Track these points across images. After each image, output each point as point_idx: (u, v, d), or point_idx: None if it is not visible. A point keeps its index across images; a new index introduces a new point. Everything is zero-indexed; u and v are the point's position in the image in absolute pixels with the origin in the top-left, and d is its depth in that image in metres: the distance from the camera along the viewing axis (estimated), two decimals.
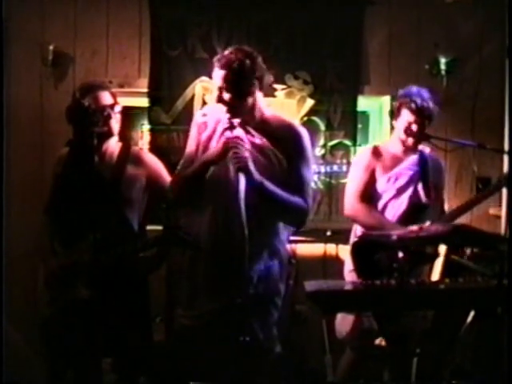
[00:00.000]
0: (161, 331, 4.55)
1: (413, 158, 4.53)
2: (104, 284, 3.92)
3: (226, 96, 3.65)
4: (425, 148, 4.61)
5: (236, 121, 3.67)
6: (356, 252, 4.17)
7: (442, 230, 3.61)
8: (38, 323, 4.10)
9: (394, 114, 4.59)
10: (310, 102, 5.51)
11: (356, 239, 4.39)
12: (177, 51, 5.38)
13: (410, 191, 4.49)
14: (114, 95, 4.15)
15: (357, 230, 4.57)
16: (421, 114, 4.40)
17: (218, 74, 3.66)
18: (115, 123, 4.11)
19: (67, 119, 4.10)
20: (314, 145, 5.51)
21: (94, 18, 5.38)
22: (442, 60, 5.57)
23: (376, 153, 4.57)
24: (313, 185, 5.43)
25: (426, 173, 4.52)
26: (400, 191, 4.49)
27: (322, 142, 5.55)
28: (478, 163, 5.18)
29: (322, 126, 5.54)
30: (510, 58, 5.11)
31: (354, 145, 5.50)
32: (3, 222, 3.55)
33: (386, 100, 5.73)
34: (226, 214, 3.67)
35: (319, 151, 5.55)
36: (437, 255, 4.14)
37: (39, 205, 4.34)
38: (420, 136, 4.44)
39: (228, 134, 3.64)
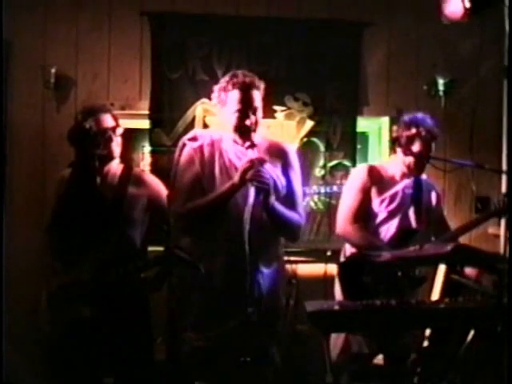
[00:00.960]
0: (162, 352, 4.56)
1: (407, 181, 4.52)
2: (105, 303, 3.94)
3: (248, 119, 3.77)
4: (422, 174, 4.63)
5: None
6: (343, 273, 4.20)
7: (442, 249, 3.63)
8: (40, 342, 4.12)
9: (396, 140, 4.53)
10: (309, 124, 5.54)
11: (343, 260, 4.42)
12: (177, 73, 5.42)
13: (401, 215, 4.46)
14: (115, 118, 4.20)
15: (346, 251, 4.55)
16: (429, 143, 4.42)
17: (237, 97, 3.77)
18: (116, 146, 4.16)
19: (69, 141, 4.15)
20: (313, 166, 5.56)
21: (96, 41, 5.42)
22: (440, 81, 5.62)
23: (372, 173, 4.52)
24: (313, 205, 5.49)
25: (419, 197, 4.51)
26: (392, 214, 4.45)
27: (321, 162, 5.57)
28: (477, 183, 5.20)
29: (322, 147, 5.57)
30: (508, 78, 5.15)
31: (354, 165, 5.51)
32: (3, 238, 3.58)
33: (384, 121, 5.77)
34: (232, 235, 3.70)
35: (319, 172, 5.57)
36: (426, 279, 4.17)
37: (40, 225, 4.37)
38: (427, 161, 4.45)
39: (249, 154, 3.71)
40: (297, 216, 3.89)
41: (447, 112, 5.66)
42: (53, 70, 5.30)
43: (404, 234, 4.40)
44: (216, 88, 3.92)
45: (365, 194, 4.45)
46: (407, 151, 4.43)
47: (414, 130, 4.42)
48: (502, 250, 5.01)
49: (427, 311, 3.62)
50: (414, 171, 4.47)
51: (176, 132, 5.34)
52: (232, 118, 3.80)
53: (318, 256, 5.38)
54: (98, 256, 3.98)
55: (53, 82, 5.32)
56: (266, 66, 5.39)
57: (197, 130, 4.03)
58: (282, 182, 3.86)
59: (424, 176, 4.62)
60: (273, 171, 3.81)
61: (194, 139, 3.83)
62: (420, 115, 4.50)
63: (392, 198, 4.45)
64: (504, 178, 5.20)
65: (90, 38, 5.41)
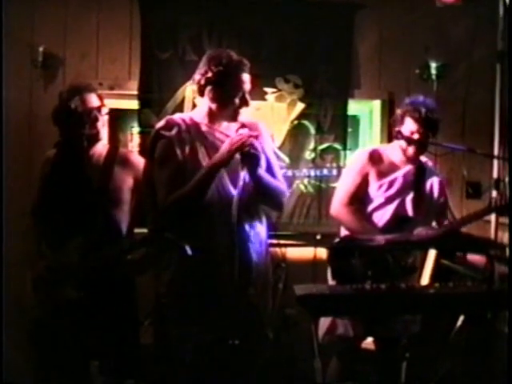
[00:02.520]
0: (149, 334, 4.54)
1: (410, 168, 4.45)
2: (92, 286, 3.90)
3: (241, 93, 3.75)
4: (427, 161, 4.57)
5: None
6: (332, 256, 4.18)
7: (433, 234, 3.61)
8: (26, 326, 4.07)
9: (396, 121, 4.48)
10: (300, 106, 5.51)
11: (334, 243, 4.38)
12: (167, 54, 5.37)
13: (398, 202, 4.41)
14: (100, 97, 4.14)
15: (340, 234, 4.51)
16: (424, 123, 4.31)
17: (247, 78, 3.76)
18: (102, 125, 4.11)
19: (54, 121, 4.10)
20: (303, 148, 5.53)
21: (85, 20, 5.36)
22: (433, 65, 5.59)
23: (374, 157, 4.45)
24: (303, 188, 5.47)
25: (419, 185, 4.45)
26: (389, 200, 4.39)
27: (312, 145, 5.54)
28: (468, 168, 5.19)
29: (312, 130, 5.54)
30: (500, 62, 5.13)
31: (344, 148, 5.49)
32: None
33: (376, 104, 5.74)
34: (220, 219, 3.67)
35: (309, 155, 5.54)
36: (417, 269, 4.14)
37: (27, 206, 4.32)
38: (423, 147, 4.37)
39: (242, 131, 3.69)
40: (280, 183, 3.90)
41: (439, 96, 5.60)
42: (41, 49, 5.25)
43: (398, 222, 4.35)
44: (203, 71, 3.82)
45: (363, 177, 4.39)
46: (400, 135, 4.37)
47: (408, 108, 4.36)
48: (492, 236, 5.05)
49: (417, 296, 3.59)
50: (410, 156, 4.40)
51: (165, 113, 5.29)
52: (224, 102, 3.76)
53: (308, 239, 5.36)
54: (84, 238, 3.94)
55: (41, 61, 5.27)
56: (256, 48, 5.34)
57: (168, 117, 3.91)
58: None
59: (430, 163, 4.57)
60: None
61: (167, 128, 3.76)
62: (422, 97, 4.42)
63: (390, 184, 4.39)
64: (495, 162, 5.18)
65: (79, 16, 5.35)
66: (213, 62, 3.74)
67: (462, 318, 3.96)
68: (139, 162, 4.19)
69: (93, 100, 4.07)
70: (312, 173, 5.51)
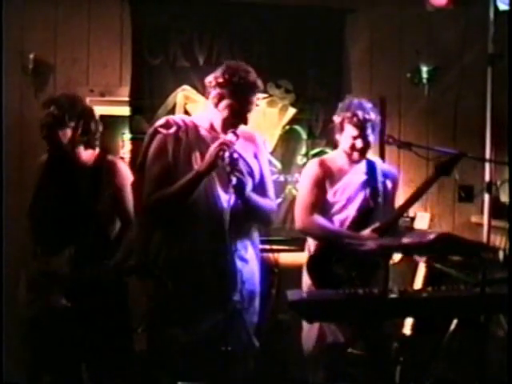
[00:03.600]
0: (143, 341, 4.53)
1: (359, 167, 4.42)
2: (82, 295, 3.91)
3: (242, 111, 3.74)
4: (376, 159, 4.56)
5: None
6: (312, 265, 4.16)
7: (426, 238, 3.60)
8: (19, 326, 4.09)
9: (335, 128, 4.42)
10: (291, 111, 5.51)
11: (312, 252, 4.36)
12: (158, 60, 5.36)
13: (359, 199, 4.38)
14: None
15: (310, 246, 4.46)
16: (364, 127, 4.28)
17: (245, 92, 3.74)
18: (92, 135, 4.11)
19: (43, 133, 4.09)
20: (295, 153, 5.53)
21: (75, 26, 5.35)
22: (424, 68, 5.60)
23: (323, 165, 4.40)
24: (294, 193, 5.47)
25: (373, 179, 4.43)
26: (350, 200, 4.37)
27: (303, 150, 5.55)
28: (460, 171, 5.17)
29: (304, 135, 5.55)
30: (491, 65, 5.14)
31: None
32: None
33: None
34: (211, 228, 3.65)
35: (301, 160, 5.54)
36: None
37: (18, 213, 4.31)
38: (365, 148, 4.34)
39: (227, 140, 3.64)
40: (269, 201, 3.91)
41: (431, 100, 5.64)
42: (31, 56, 5.25)
43: (363, 214, 4.32)
44: (218, 74, 3.81)
45: (319, 186, 4.34)
46: (342, 138, 4.36)
47: (346, 115, 4.33)
48: (485, 239, 5.05)
49: (410, 300, 3.59)
50: (356, 160, 4.39)
51: (156, 119, 5.17)
52: (225, 112, 3.74)
53: (300, 245, 5.34)
54: (74, 250, 3.95)
55: (31, 68, 5.27)
56: (247, 53, 5.33)
57: (169, 117, 3.91)
58: (256, 167, 3.84)
59: (379, 161, 4.56)
60: (248, 158, 3.80)
61: (166, 126, 3.77)
62: (356, 100, 4.39)
63: (346, 186, 4.36)
64: (487, 166, 5.18)
65: (69, 22, 5.35)
66: (230, 71, 3.74)
67: (455, 321, 3.96)
68: (122, 170, 4.16)
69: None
70: None
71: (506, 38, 4.46)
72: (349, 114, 4.28)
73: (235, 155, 3.56)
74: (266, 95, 5.40)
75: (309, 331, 4.25)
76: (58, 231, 3.98)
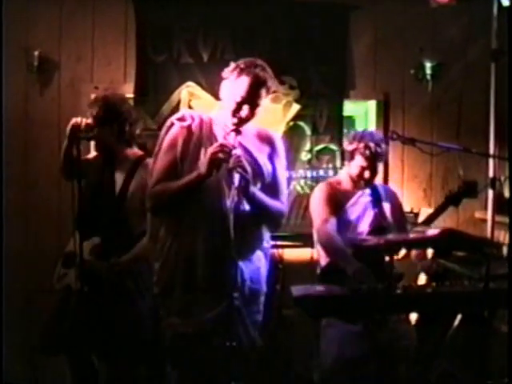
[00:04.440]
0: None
1: (363, 191, 4.47)
2: (95, 282, 4.04)
3: (246, 110, 3.67)
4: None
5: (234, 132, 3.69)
6: (324, 281, 4.17)
7: (431, 233, 3.61)
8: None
9: (344, 153, 4.52)
10: (295, 107, 5.51)
11: (321, 270, 4.37)
12: (162, 56, 5.37)
13: (369, 217, 4.42)
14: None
15: (320, 261, 4.48)
16: (374, 159, 4.35)
17: (244, 87, 3.66)
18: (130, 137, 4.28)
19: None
20: (299, 150, 5.53)
21: (79, 23, 5.36)
22: (428, 64, 5.59)
23: (332, 187, 4.49)
24: (299, 189, 5.47)
25: (378, 200, 4.47)
26: (359, 219, 4.40)
27: (307, 146, 5.55)
28: (464, 167, 5.18)
29: (308, 131, 5.55)
30: (495, 62, 5.13)
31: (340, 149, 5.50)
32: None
33: (371, 104, 5.75)
34: (214, 223, 3.67)
35: (305, 156, 5.55)
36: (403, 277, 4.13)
37: (22, 209, 4.34)
38: (372, 177, 4.41)
39: (229, 138, 3.63)
40: (279, 204, 3.81)
41: (434, 96, 5.64)
42: (36, 53, 5.25)
43: (378, 233, 4.33)
44: (233, 64, 3.81)
45: (332, 202, 4.39)
46: (351, 166, 4.41)
47: (358, 146, 4.38)
48: (488, 235, 5.05)
49: (414, 296, 3.60)
50: (360, 187, 4.44)
51: (161, 115, 5.30)
52: (231, 103, 3.74)
53: (304, 240, 5.34)
54: (100, 240, 4.12)
55: (36, 65, 5.27)
56: (251, 49, 5.31)
57: (185, 111, 3.96)
58: (268, 168, 3.79)
59: (378, 183, 4.61)
60: (260, 157, 3.78)
61: (182, 119, 3.79)
62: (368, 132, 4.48)
63: (352, 208, 4.40)
64: (491, 161, 5.18)
65: (74, 19, 5.35)
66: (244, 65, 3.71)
67: (459, 316, 3.97)
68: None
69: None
70: (308, 174, 5.52)
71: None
72: (361, 146, 4.34)
73: (238, 152, 3.57)
74: None
75: (328, 346, 4.23)
76: (89, 221, 4.10)
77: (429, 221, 4.28)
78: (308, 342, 4.33)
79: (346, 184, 4.49)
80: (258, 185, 3.72)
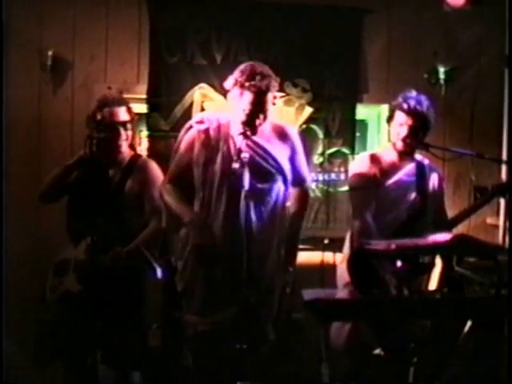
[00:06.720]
0: (157, 338, 4.56)
1: (409, 168, 4.45)
2: (96, 283, 4.05)
3: (252, 116, 3.86)
4: (423, 159, 4.56)
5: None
6: (353, 264, 4.14)
7: (442, 239, 3.60)
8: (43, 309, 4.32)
9: (388, 117, 4.51)
10: (308, 110, 5.51)
11: (352, 251, 4.35)
12: (176, 57, 5.37)
13: (408, 199, 4.41)
14: (130, 111, 4.36)
15: (352, 241, 4.46)
16: (413, 116, 4.31)
17: (250, 100, 3.84)
18: (125, 139, 4.33)
19: (85, 126, 4.31)
20: (311, 153, 5.53)
21: (93, 23, 5.37)
22: (441, 69, 5.58)
23: (374, 159, 4.46)
24: (310, 193, 5.46)
25: (422, 183, 4.45)
26: (399, 199, 4.41)
27: (320, 150, 5.54)
28: (476, 172, 5.18)
29: (321, 134, 5.54)
30: (509, 67, 5.12)
31: (353, 153, 5.49)
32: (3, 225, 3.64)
33: (384, 108, 5.73)
34: (230, 222, 3.76)
35: (317, 159, 5.54)
36: (434, 264, 4.12)
37: (36, 209, 4.36)
38: (412, 141, 4.37)
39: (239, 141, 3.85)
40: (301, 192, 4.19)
41: (447, 100, 5.62)
42: (50, 53, 5.26)
43: (411, 220, 4.33)
44: (232, 78, 3.92)
45: (371, 180, 4.38)
46: (391, 127, 4.41)
47: (398, 102, 4.36)
48: (500, 241, 5.03)
49: (425, 301, 3.59)
50: (401, 151, 4.40)
51: (173, 117, 5.31)
52: (241, 114, 3.84)
53: (315, 244, 5.34)
54: (95, 238, 4.08)
55: (49, 65, 5.28)
56: (265, 52, 5.34)
57: (204, 113, 4.10)
58: (287, 165, 4.01)
59: (426, 161, 4.56)
60: (277, 152, 3.96)
61: (200, 122, 3.91)
62: (414, 92, 4.43)
63: (396, 184, 4.39)
64: (503, 167, 5.17)
65: (88, 19, 5.37)
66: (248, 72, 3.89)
67: (469, 322, 3.95)
68: (157, 168, 4.38)
69: (120, 114, 4.27)
70: (320, 177, 5.51)
71: None
72: (400, 100, 4.33)
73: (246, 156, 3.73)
74: (282, 94, 5.40)
75: (340, 327, 4.26)
76: (85, 221, 4.13)
77: (472, 211, 4.51)
78: (318, 345, 4.32)
79: (391, 155, 4.46)
80: (280, 178, 3.95)
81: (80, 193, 4.24)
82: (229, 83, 3.93)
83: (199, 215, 3.90)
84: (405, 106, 4.31)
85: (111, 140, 4.23)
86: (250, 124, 3.84)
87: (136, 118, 4.40)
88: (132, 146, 4.45)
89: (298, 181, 4.14)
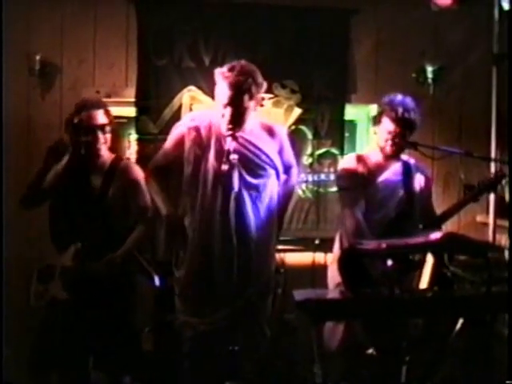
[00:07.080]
0: (149, 342, 4.56)
1: (396, 168, 4.47)
2: (84, 290, 4.06)
3: (231, 113, 3.88)
4: (409, 159, 4.57)
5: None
6: (344, 264, 4.14)
7: (432, 237, 3.60)
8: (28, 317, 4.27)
9: (374, 120, 4.53)
10: (297, 111, 5.51)
11: (343, 251, 4.36)
12: (164, 60, 5.37)
13: (396, 198, 4.42)
14: (108, 114, 4.28)
15: (342, 241, 4.48)
16: (401, 123, 4.31)
17: (225, 93, 3.87)
18: (103, 142, 4.25)
19: (64, 130, 4.27)
20: (301, 154, 5.53)
21: (81, 27, 5.36)
22: (429, 68, 5.59)
23: (360, 160, 4.45)
24: (300, 193, 5.47)
25: (409, 182, 4.47)
26: (386, 199, 4.42)
27: (309, 150, 5.55)
28: (465, 171, 5.18)
29: (310, 135, 5.55)
30: (496, 65, 5.14)
31: (342, 153, 5.49)
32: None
33: (373, 109, 5.74)
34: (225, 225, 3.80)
35: (307, 160, 5.54)
36: (425, 261, 4.12)
37: (25, 213, 4.35)
38: (400, 145, 4.36)
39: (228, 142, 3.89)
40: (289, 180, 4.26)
41: (436, 99, 5.64)
42: (37, 57, 5.26)
43: (399, 219, 4.34)
44: (218, 71, 3.98)
45: (358, 181, 4.39)
46: (378, 131, 4.40)
47: (385, 108, 4.36)
48: (490, 238, 5.05)
49: (416, 300, 3.59)
50: (388, 154, 4.41)
51: (162, 120, 5.31)
52: (220, 108, 3.89)
53: (306, 244, 5.36)
54: (81, 245, 4.11)
55: (38, 69, 5.28)
56: (253, 54, 5.31)
57: (196, 112, 4.15)
58: (278, 159, 4.08)
59: (412, 160, 4.57)
60: (268, 149, 4.01)
61: (191, 120, 3.97)
62: (400, 96, 4.41)
63: (384, 183, 4.40)
64: (492, 165, 5.19)
65: (76, 23, 5.36)
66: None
67: (461, 320, 3.96)
68: (139, 169, 4.29)
69: (98, 117, 4.20)
70: (310, 178, 5.52)
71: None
72: (388, 108, 4.31)
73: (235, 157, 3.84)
74: (271, 95, 5.41)
75: (333, 328, 4.27)
76: (68, 228, 4.15)
77: (459, 207, 4.52)
78: (310, 346, 4.33)
79: (376, 156, 4.47)
80: (273, 173, 4.03)
81: (61, 198, 4.22)
82: (216, 74, 3.97)
83: (174, 212, 3.95)
84: (392, 114, 4.31)
85: (89, 143, 4.18)
86: (228, 119, 3.87)
87: (114, 122, 4.34)
88: (112, 150, 4.41)
89: (286, 168, 4.20)
